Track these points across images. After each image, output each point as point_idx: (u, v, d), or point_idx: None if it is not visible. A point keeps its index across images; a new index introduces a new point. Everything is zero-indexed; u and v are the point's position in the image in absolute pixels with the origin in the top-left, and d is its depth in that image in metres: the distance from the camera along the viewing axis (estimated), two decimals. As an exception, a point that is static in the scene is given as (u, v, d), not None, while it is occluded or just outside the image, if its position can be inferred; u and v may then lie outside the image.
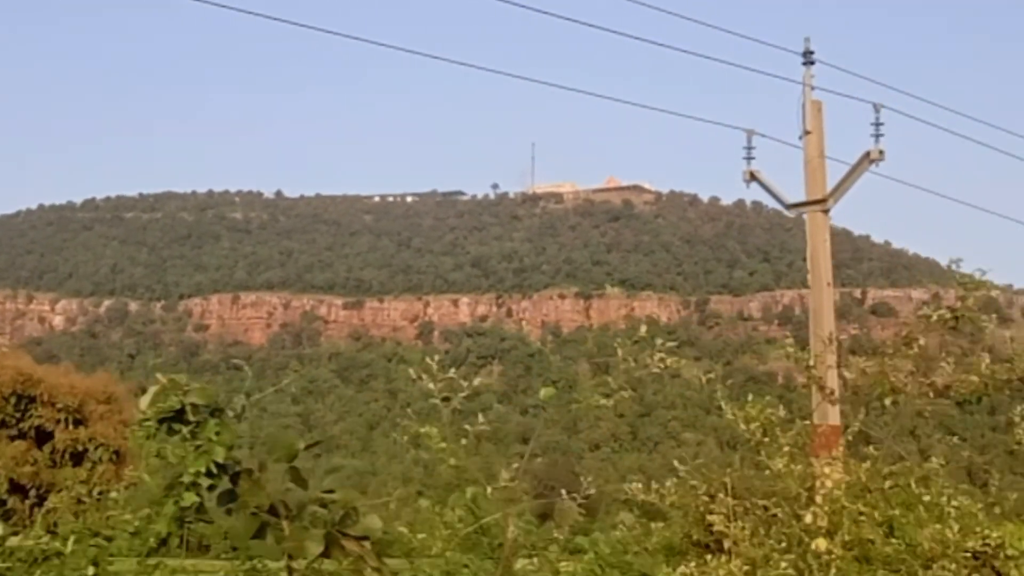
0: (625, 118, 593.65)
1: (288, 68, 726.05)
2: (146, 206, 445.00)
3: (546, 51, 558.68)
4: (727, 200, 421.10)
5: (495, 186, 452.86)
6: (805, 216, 20.42)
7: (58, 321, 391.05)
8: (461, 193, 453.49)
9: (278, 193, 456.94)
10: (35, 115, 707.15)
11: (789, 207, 20.20)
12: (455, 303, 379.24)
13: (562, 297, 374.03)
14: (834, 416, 17.88)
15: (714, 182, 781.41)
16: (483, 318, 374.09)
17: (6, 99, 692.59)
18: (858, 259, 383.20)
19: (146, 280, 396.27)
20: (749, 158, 20.58)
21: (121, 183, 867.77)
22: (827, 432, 17.07)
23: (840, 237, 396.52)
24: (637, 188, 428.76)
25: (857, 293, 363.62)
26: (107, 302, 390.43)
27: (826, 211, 19.39)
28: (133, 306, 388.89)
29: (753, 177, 20.66)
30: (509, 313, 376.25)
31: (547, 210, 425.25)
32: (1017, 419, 22.02)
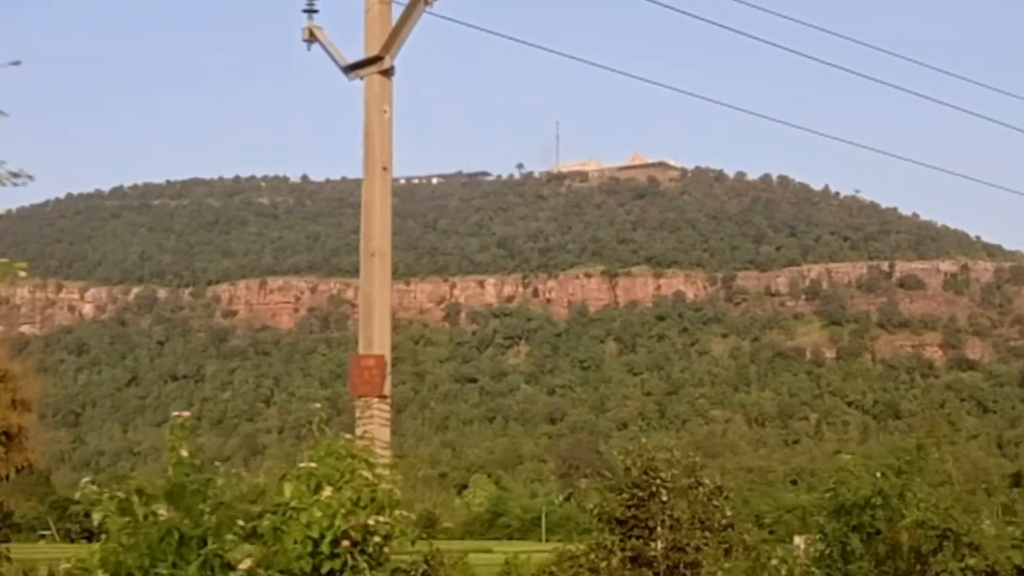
0: (649, 94, 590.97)
1: (311, 50, 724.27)
2: (173, 193, 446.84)
3: (567, 28, 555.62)
4: (753, 175, 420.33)
5: (520, 166, 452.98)
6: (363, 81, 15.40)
7: (88, 309, 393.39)
8: (486, 174, 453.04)
9: (304, 177, 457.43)
10: (62, 104, 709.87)
11: (346, 70, 15.08)
12: (481, 284, 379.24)
13: (588, 276, 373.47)
14: (384, 344, 14.03)
15: (740, 157, 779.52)
16: (510, 299, 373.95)
17: (33, 88, 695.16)
18: (885, 232, 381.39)
19: (174, 267, 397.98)
20: (311, 10, 15.68)
21: (149, 171, 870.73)
22: (371, 365, 13.58)
23: (868, 210, 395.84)
24: (662, 165, 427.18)
25: (885, 266, 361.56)
26: (136, 289, 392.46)
27: (386, 72, 14.67)
28: (162, 293, 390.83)
29: (313, 36, 15.66)
30: (536, 293, 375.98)
31: (572, 189, 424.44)
32: None
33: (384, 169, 14.83)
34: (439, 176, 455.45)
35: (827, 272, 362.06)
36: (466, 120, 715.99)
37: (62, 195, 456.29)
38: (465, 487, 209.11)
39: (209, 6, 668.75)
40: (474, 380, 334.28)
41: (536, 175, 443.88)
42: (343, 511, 8.98)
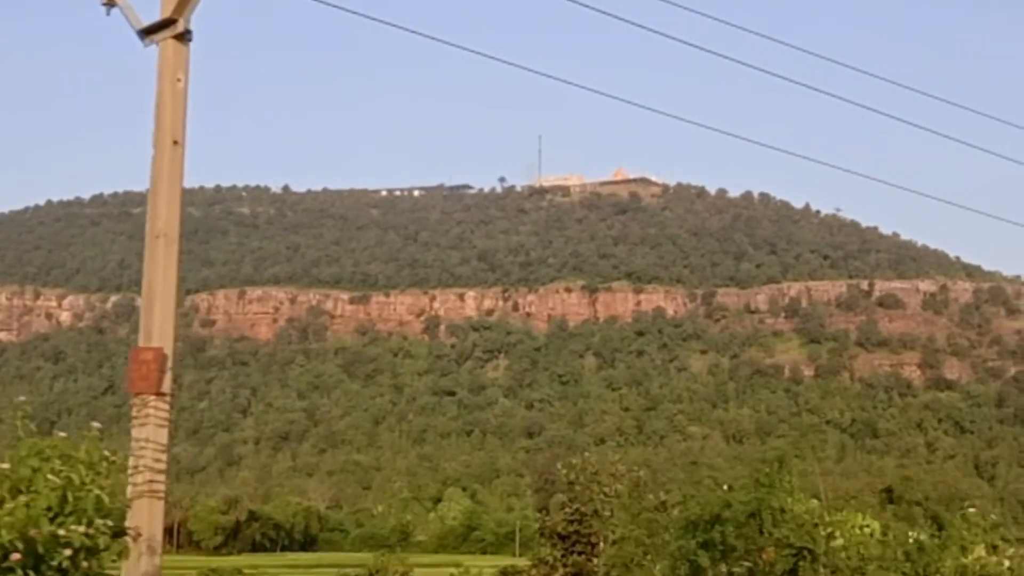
0: (632, 111, 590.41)
1: (296, 62, 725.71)
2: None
3: (551, 44, 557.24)
4: (735, 192, 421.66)
5: (502, 179, 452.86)
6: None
7: (65, 317, 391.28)
8: (468, 187, 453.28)
9: (285, 188, 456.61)
10: (42, 111, 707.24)
11: (141, 35, 13.41)
12: (461, 297, 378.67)
13: (568, 291, 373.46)
14: (165, 336, 12.49)
15: (721, 174, 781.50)
16: (489, 312, 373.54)
17: (13, 95, 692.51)
18: (866, 250, 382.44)
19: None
20: None
21: (129, 178, 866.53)
22: (149, 359, 12.14)
23: (848, 228, 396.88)
24: (644, 181, 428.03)
25: (864, 285, 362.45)
26: (114, 297, 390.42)
27: (181, 36, 13.21)
28: (140, 301, 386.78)
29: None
30: (515, 307, 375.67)
31: (554, 203, 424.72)
32: None
33: (175, 143, 13.07)
34: (421, 189, 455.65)
35: (807, 290, 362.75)
36: (449, 133, 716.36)
37: (42, 202, 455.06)
38: (440, 501, 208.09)
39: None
40: (452, 393, 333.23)
41: (518, 189, 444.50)
42: (10, 520, 7.94)
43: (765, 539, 20.70)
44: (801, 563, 20.67)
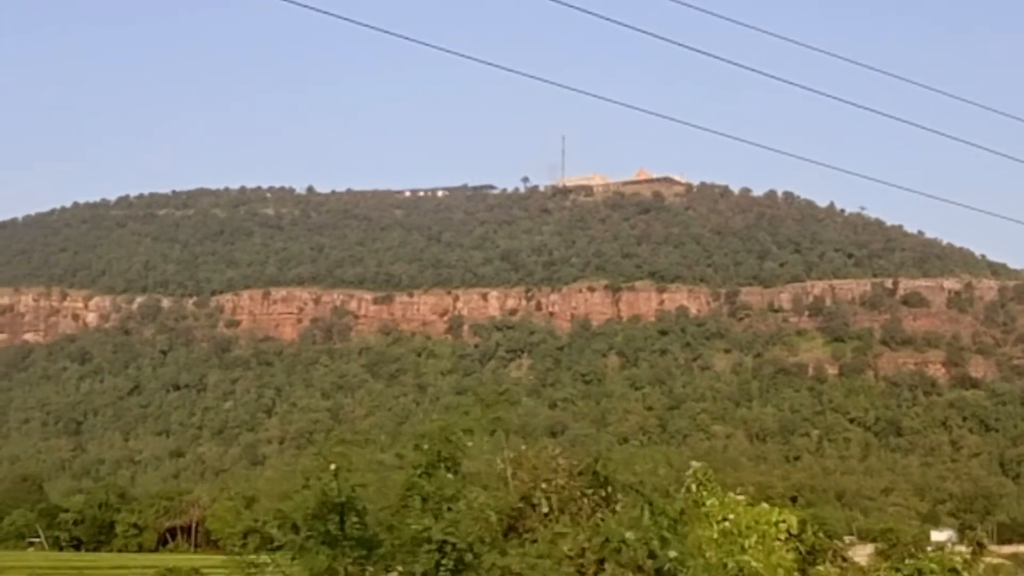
0: (655, 110, 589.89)
1: (320, 64, 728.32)
2: (179, 203, 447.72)
3: (576, 48, 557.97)
4: (758, 191, 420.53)
5: (525, 179, 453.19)
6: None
7: (92, 318, 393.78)
8: (491, 187, 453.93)
9: (310, 189, 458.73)
10: (70, 114, 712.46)
11: None
12: (484, 297, 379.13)
13: (591, 290, 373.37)
14: None
15: (745, 173, 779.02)
16: (512, 312, 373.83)
17: (42, 98, 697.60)
18: (890, 249, 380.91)
19: (178, 276, 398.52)
20: None
21: (155, 180, 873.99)
22: None
23: (872, 227, 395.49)
24: (667, 180, 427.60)
25: (889, 283, 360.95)
26: (140, 299, 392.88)
27: None
28: (166, 302, 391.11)
29: None
30: (539, 306, 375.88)
31: (577, 203, 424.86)
32: None
33: None
34: (445, 189, 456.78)
35: (831, 289, 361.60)
36: (473, 133, 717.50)
37: (68, 204, 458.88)
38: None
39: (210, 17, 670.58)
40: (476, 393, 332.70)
41: (541, 189, 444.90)
42: None
43: (407, 531, 17.93)
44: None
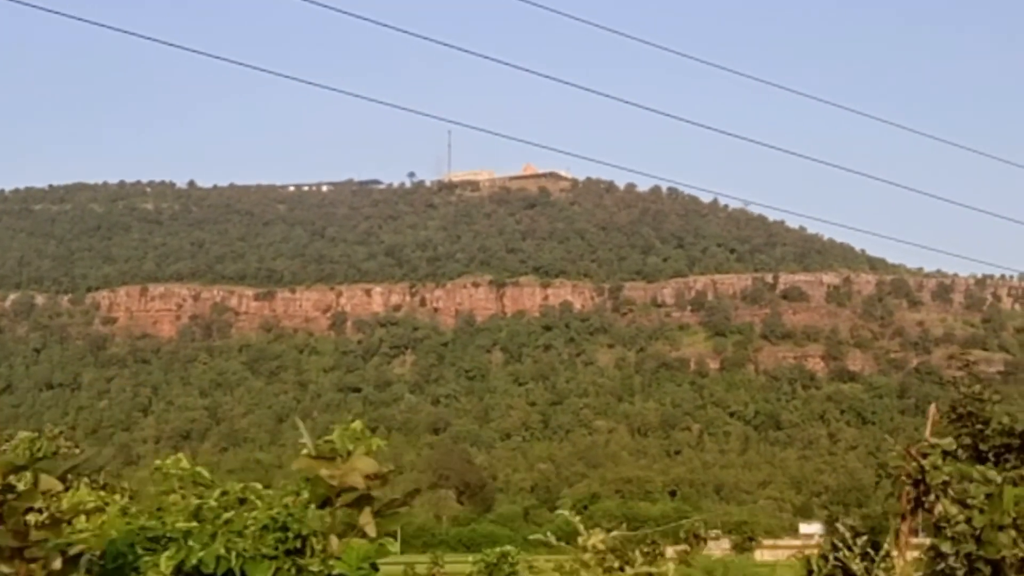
0: (543, 106, 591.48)
1: (203, 56, 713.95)
2: (55, 197, 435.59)
3: (466, 41, 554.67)
4: (643, 187, 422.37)
5: (411, 174, 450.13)
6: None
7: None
8: (377, 182, 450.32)
9: (191, 183, 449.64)
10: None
11: None
12: (368, 293, 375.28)
13: (476, 285, 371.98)
14: None
15: (632, 169, 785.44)
16: (397, 308, 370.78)
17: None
18: (772, 244, 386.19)
19: (53, 272, 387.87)
20: None
21: (31, 175, 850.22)
22: None
23: (755, 223, 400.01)
24: (554, 175, 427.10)
25: (769, 278, 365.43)
26: (13, 295, 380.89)
27: None
28: (40, 299, 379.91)
29: None
30: (423, 302, 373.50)
31: (463, 198, 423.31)
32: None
33: None
34: (329, 184, 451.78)
35: (713, 284, 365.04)
36: (359, 128, 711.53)
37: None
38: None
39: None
40: (358, 390, 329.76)
41: (427, 184, 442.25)
42: None
43: None
44: None
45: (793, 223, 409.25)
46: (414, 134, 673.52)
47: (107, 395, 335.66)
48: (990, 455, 20.11)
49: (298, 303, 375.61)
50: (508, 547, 43.00)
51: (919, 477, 17.89)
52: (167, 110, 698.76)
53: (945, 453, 18.17)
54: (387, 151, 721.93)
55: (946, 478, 17.26)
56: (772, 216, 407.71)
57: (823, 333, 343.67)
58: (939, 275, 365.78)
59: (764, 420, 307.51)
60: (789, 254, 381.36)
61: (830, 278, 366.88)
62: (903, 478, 18.36)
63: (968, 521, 16.01)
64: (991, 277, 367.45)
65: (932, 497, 17.57)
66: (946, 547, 16.88)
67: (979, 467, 17.95)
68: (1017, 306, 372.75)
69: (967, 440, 21.26)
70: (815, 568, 20.13)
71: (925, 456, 17.79)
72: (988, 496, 16.44)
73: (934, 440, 17.84)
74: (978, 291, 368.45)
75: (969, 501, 16.47)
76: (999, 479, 17.17)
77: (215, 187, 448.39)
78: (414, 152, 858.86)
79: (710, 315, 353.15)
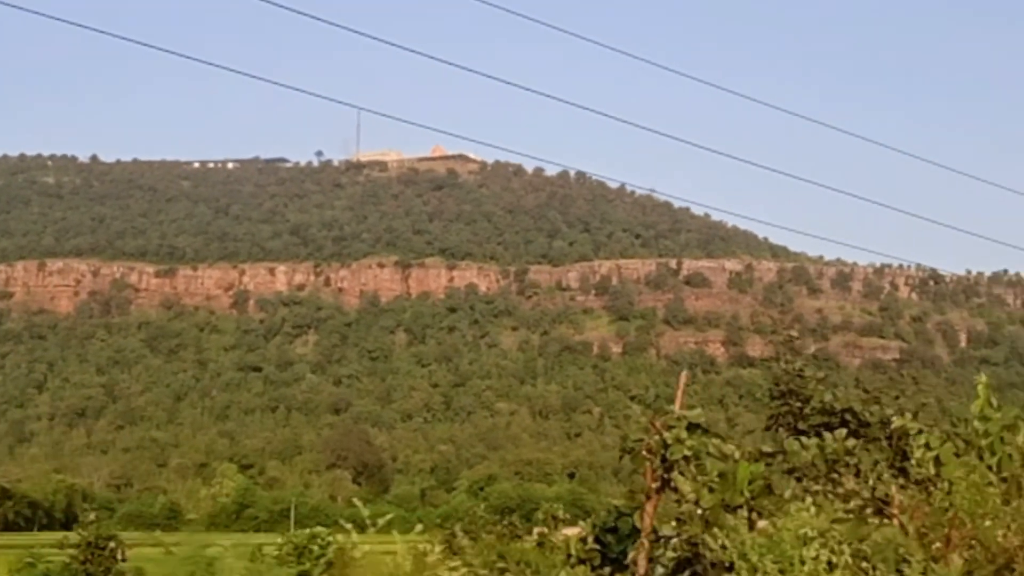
0: (454, 86, 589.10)
1: (112, 30, 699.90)
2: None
3: (372, 23, 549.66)
4: (551, 171, 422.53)
5: (319, 153, 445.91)
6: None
7: None
8: (284, 160, 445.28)
9: (93, 158, 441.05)
10: None
11: None
12: (272, 271, 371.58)
13: (381, 266, 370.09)
14: None
15: (540, 153, 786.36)
16: (300, 287, 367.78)
17: None
18: (676, 231, 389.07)
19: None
20: None
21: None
22: None
23: (661, 209, 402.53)
24: (462, 158, 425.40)
25: (673, 263, 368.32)
26: None
27: None
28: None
29: None
30: (327, 282, 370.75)
31: (371, 178, 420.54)
32: None
33: None
34: (235, 161, 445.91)
35: (617, 268, 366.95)
36: (267, 105, 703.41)
37: None
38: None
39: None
40: (259, 369, 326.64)
41: (335, 163, 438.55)
42: None
43: None
44: None
45: (698, 211, 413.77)
46: (323, 113, 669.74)
47: (1, 371, 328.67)
48: (810, 433, 19.80)
49: (200, 280, 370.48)
50: (319, 528, 42.56)
51: (663, 452, 16.80)
52: (71, 83, 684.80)
53: (693, 426, 16.93)
54: (295, 129, 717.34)
55: (688, 453, 16.24)
56: (677, 203, 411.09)
57: (724, 319, 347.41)
58: (839, 264, 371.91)
59: (663, 404, 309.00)
60: (693, 240, 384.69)
61: (732, 265, 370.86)
62: (644, 453, 17.19)
63: (696, 502, 15.36)
64: (889, 267, 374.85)
65: (677, 474, 16.48)
66: (666, 530, 16.21)
67: (715, 440, 17.19)
68: (914, 295, 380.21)
69: (788, 419, 21.19)
70: (572, 552, 19.58)
71: (671, 429, 16.69)
72: (722, 475, 15.79)
73: (680, 412, 16.47)
74: (876, 280, 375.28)
75: (699, 478, 15.81)
76: (737, 454, 16.61)
77: (118, 162, 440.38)
78: (323, 131, 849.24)
79: (614, 299, 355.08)
